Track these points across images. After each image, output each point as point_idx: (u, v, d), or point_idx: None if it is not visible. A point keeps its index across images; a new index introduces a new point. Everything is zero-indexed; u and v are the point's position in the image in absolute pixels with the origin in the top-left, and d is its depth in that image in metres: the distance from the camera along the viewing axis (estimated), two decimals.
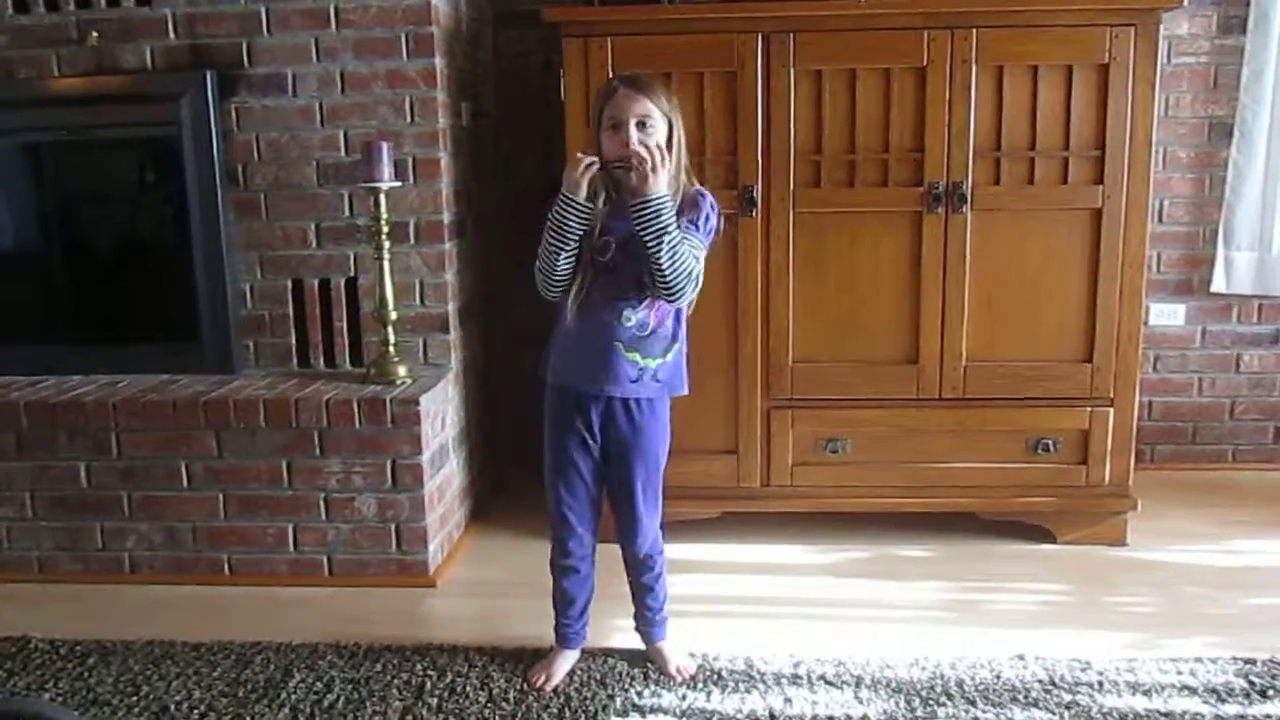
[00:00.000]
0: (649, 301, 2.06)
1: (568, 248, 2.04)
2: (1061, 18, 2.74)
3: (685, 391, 2.20)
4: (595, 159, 2.01)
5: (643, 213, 1.95)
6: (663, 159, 1.96)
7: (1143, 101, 2.77)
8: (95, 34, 2.89)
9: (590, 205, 2.02)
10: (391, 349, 2.91)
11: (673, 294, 1.99)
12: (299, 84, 2.91)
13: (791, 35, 2.79)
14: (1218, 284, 3.51)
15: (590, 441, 2.18)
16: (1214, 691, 2.21)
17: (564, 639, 2.34)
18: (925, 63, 2.78)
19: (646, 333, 2.08)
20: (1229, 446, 3.65)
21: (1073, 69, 2.77)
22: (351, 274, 3.02)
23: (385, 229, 2.81)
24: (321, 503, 2.83)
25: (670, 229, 1.95)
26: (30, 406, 2.83)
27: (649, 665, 2.35)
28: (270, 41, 2.89)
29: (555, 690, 2.27)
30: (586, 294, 2.08)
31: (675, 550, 2.98)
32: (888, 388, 2.95)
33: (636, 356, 2.09)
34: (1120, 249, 2.84)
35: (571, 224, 2.02)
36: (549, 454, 2.23)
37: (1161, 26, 2.75)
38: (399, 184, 2.85)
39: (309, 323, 3.06)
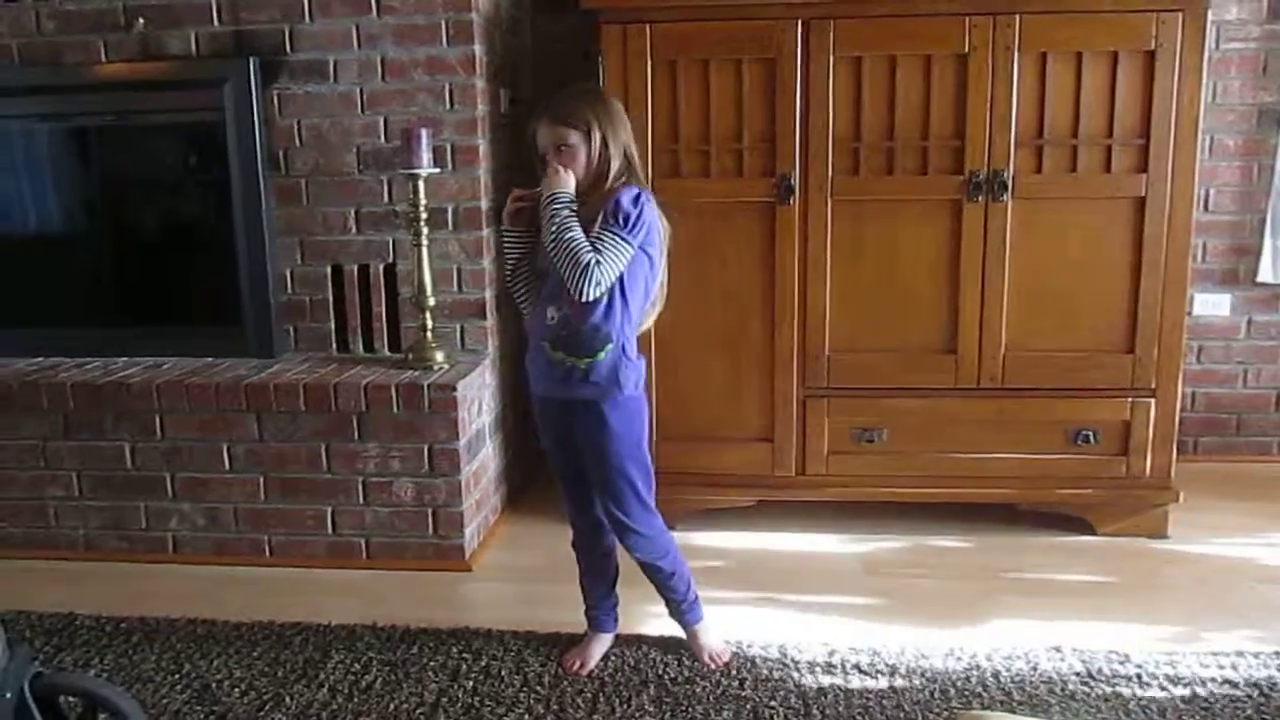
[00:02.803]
0: (566, 299, 2.05)
1: (515, 273, 2.20)
2: (1106, 3, 2.70)
3: (636, 394, 2.14)
4: (523, 195, 2.13)
5: (543, 208, 2.06)
6: (554, 171, 2.07)
7: (1189, 88, 2.72)
8: (141, 20, 2.93)
9: (524, 231, 2.15)
10: (429, 334, 2.94)
11: (571, 286, 2.00)
12: (340, 70, 2.93)
13: (831, 22, 2.77)
14: (1264, 274, 3.45)
15: (563, 442, 2.22)
16: (1256, 685, 2.18)
17: (594, 622, 2.36)
18: (967, 49, 2.75)
19: (569, 330, 2.07)
20: (1273, 439, 3.59)
21: (1118, 55, 2.73)
22: (390, 260, 3.04)
23: (424, 215, 2.83)
24: (360, 486, 2.86)
25: (560, 219, 2.01)
26: (77, 388, 2.88)
27: (682, 651, 2.35)
28: (312, 28, 2.91)
29: (590, 675, 2.28)
30: (535, 299, 2.20)
31: (710, 538, 3.00)
32: (926, 377, 2.93)
33: (562, 355, 2.09)
34: (1164, 238, 2.80)
35: (508, 249, 2.19)
36: (550, 464, 2.33)
37: (1210, 12, 2.70)
38: (438, 170, 2.87)
39: (348, 308, 3.09)
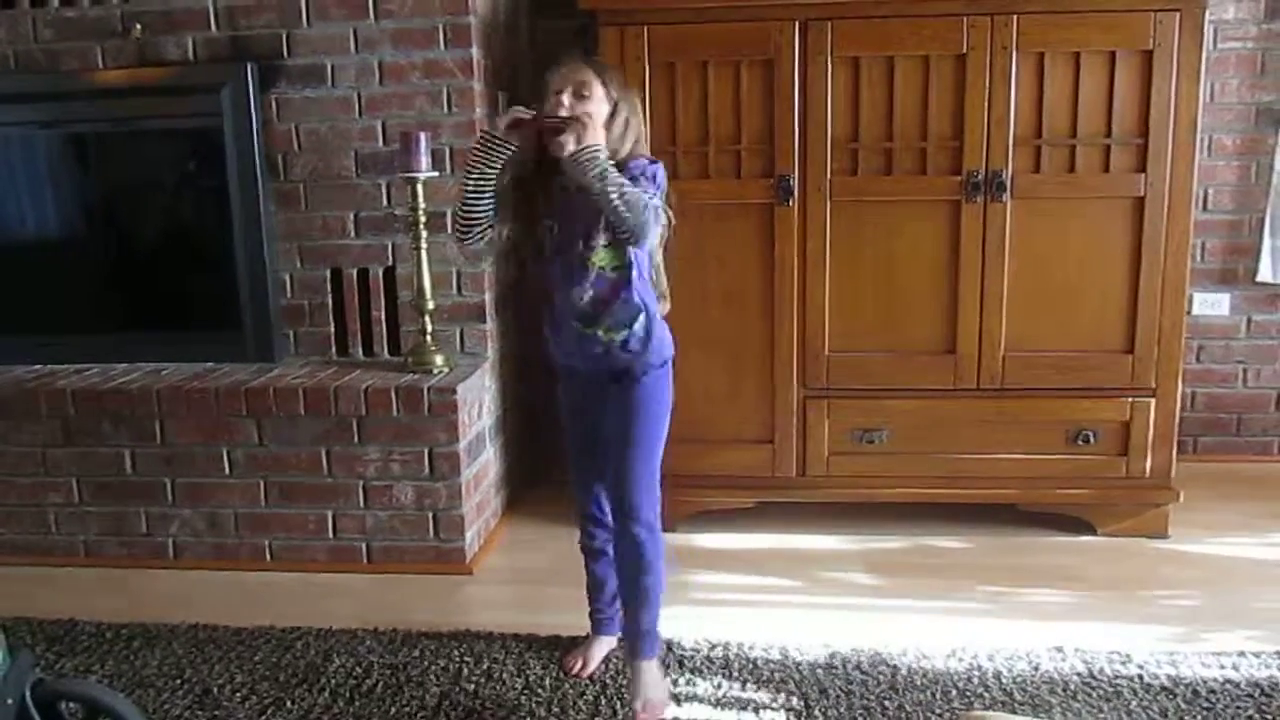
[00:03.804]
0: (594, 276, 2.02)
1: (473, 184, 2.00)
2: (1105, 3, 2.70)
3: (667, 356, 2.12)
4: (529, 111, 1.97)
5: (579, 161, 1.89)
6: (590, 126, 1.91)
7: (1187, 88, 2.72)
8: (139, 26, 2.93)
9: (504, 140, 1.97)
10: (429, 338, 2.94)
11: (637, 233, 1.91)
12: (338, 75, 2.94)
13: (829, 23, 2.77)
14: (1263, 273, 3.45)
15: (586, 416, 2.17)
16: (1257, 685, 2.18)
17: (597, 624, 2.35)
18: (965, 50, 2.75)
19: (600, 308, 2.04)
20: (1273, 438, 3.59)
21: (1115, 55, 2.73)
22: (389, 263, 3.04)
23: (423, 219, 2.83)
24: (360, 490, 2.86)
25: (610, 171, 1.88)
26: (77, 394, 2.88)
27: (682, 654, 2.35)
28: (309, 33, 2.91)
29: (590, 677, 2.28)
30: (547, 277, 2.09)
31: (710, 540, 3.00)
32: (925, 378, 2.93)
33: (598, 330, 2.05)
34: (1163, 238, 2.80)
35: (479, 158, 1.98)
36: (566, 436, 2.25)
37: (1207, 11, 2.70)
38: (436, 174, 2.87)
39: (347, 312, 3.09)
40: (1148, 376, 2.87)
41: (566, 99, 1.97)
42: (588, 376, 2.13)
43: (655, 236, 1.97)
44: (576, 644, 2.38)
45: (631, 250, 2.00)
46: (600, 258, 2.01)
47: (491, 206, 2.03)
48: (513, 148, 1.99)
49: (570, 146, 1.92)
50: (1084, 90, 2.76)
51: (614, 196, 1.87)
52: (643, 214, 1.89)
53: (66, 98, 3.03)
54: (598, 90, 1.99)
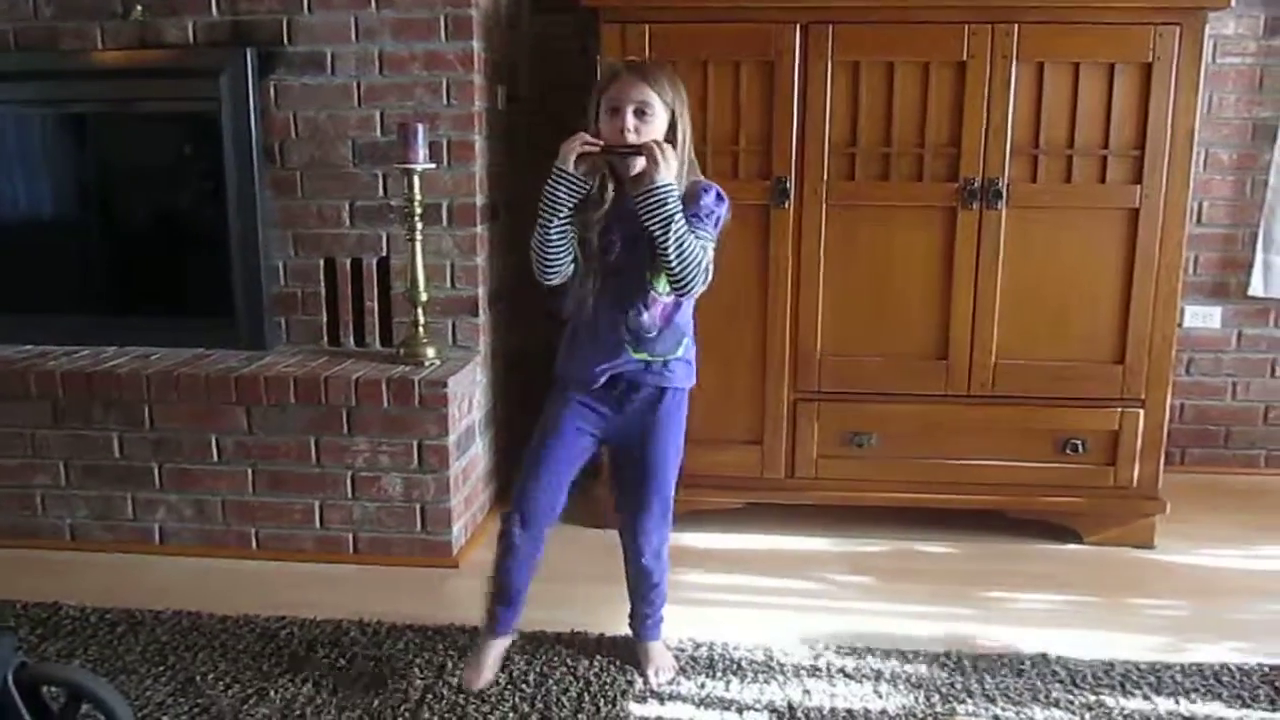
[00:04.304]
0: (655, 302, 2.02)
1: (556, 221, 1.97)
2: (1105, 15, 2.71)
3: (693, 383, 2.16)
4: (597, 142, 1.95)
5: (647, 202, 1.89)
6: (664, 153, 1.90)
7: (1185, 101, 2.73)
8: (139, 8, 2.92)
9: (582, 179, 1.96)
10: (421, 330, 2.93)
11: (682, 285, 1.94)
12: (337, 63, 2.93)
13: (830, 26, 2.77)
14: (1255, 288, 3.47)
15: (575, 437, 2.14)
16: (1239, 697, 2.19)
17: (492, 627, 2.28)
18: (965, 57, 2.76)
19: (654, 334, 2.05)
20: (1261, 451, 3.61)
21: (1115, 67, 2.74)
22: (384, 254, 3.03)
23: (418, 210, 2.82)
24: (348, 481, 2.86)
25: (676, 218, 1.89)
26: (66, 376, 2.87)
27: (669, 652, 2.35)
28: (310, 20, 2.90)
29: (575, 676, 2.28)
30: (595, 296, 2.05)
31: (697, 539, 3.00)
32: (916, 383, 2.94)
33: (645, 356, 2.06)
34: (1157, 250, 2.81)
35: (561, 195, 1.96)
36: (536, 441, 2.17)
37: (1207, 26, 2.71)
38: (433, 166, 2.86)
39: (340, 302, 3.08)
40: (1138, 387, 2.88)
41: (630, 121, 1.94)
42: (615, 399, 2.10)
43: (698, 290, 1.97)
44: (561, 640, 2.38)
45: None
46: (663, 283, 1.99)
47: (569, 241, 2.01)
48: (587, 185, 1.97)
49: (639, 166, 1.92)
50: (1082, 101, 2.76)
51: (672, 249, 1.89)
52: (693, 271, 1.92)
53: (65, 77, 3.01)
54: (658, 106, 1.96)
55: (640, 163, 1.93)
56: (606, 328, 2.05)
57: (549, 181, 1.97)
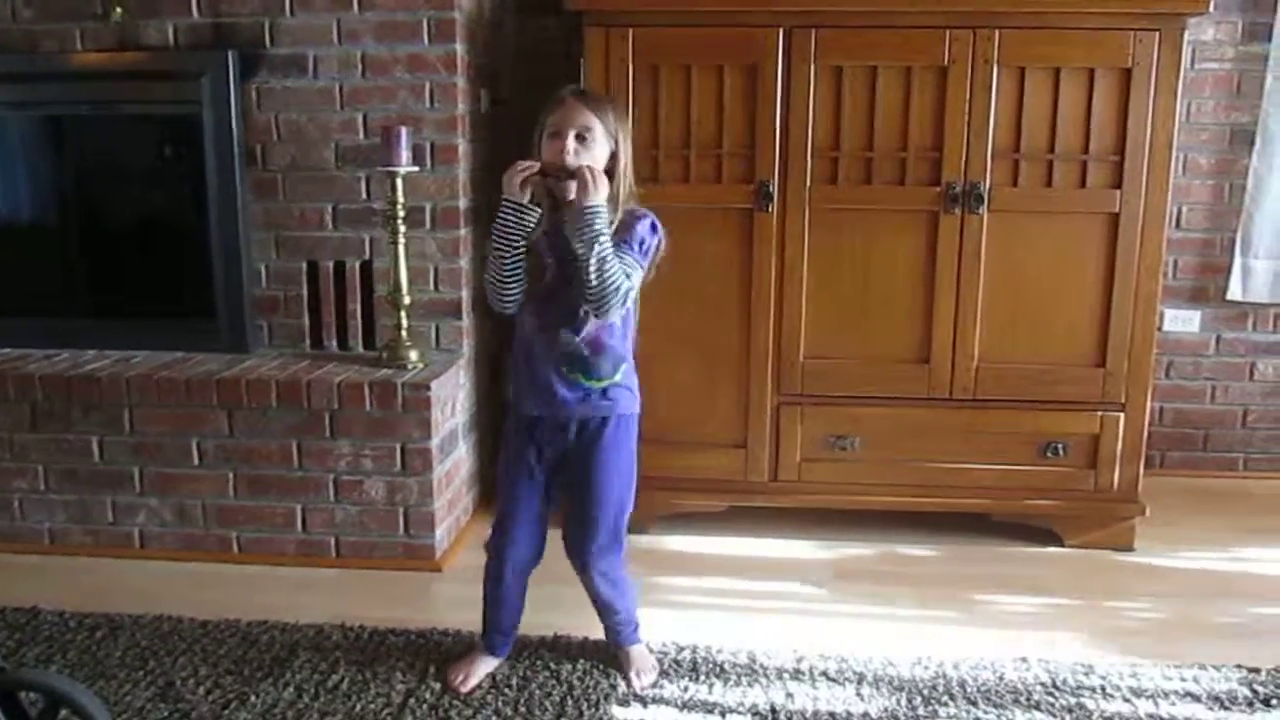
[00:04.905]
0: (590, 324, 2.02)
1: (511, 252, 2.01)
2: (1085, 20, 2.73)
3: (637, 410, 2.16)
4: (534, 163, 1.98)
5: (576, 222, 1.93)
6: (599, 174, 1.94)
7: (1164, 107, 2.75)
8: (119, 9, 2.90)
9: (532, 207, 1.99)
10: (404, 333, 2.92)
11: (598, 306, 1.95)
12: (320, 66, 2.92)
13: (813, 30, 2.78)
14: (1234, 292, 3.50)
15: (539, 469, 2.15)
16: (1217, 699, 2.20)
17: (488, 644, 2.31)
18: (947, 62, 2.77)
19: (587, 353, 2.05)
20: (1240, 454, 3.64)
21: (1095, 72, 2.76)
22: (366, 257, 3.02)
23: (401, 213, 2.82)
24: (330, 484, 2.85)
25: (602, 239, 1.91)
26: (45, 379, 2.85)
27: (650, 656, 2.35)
28: (292, 22, 2.89)
29: (558, 680, 2.27)
30: (531, 318, 2.08)
31: (681, 542, 3.01)
32: (899, 386, 2.95)
33: (580, 378, 2.06)
34: (1137, 254, 2.83)
35: (512, 224, 1.99)
36: (501, 471, 2.20)
37: (1186, 32, 2.73)
38: (416, 169, 2.85)
39: (323, 304, 3.07)
40: (1118, 391, 2.90)
41: (571, 144, 1.97)
42: (556, 425, 2.11)
43: (614, 314, 1.98)
44: (544, 645, 2.38)
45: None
46: None
47: (523, 266, 2.03)
48: (538, 211, 2.00)
49: (572, 195, 1.95)
50: (1063, 106, 2.78)
51: (593, 269, 1.91)
52: (611, 294, 1.93)
53: (44, 79, 2.99)
54: (599, 132, 1.99)
55: (573, 191, 1.96)
56: (542, 349, 2.07)
57: (500, 213, 2.00)
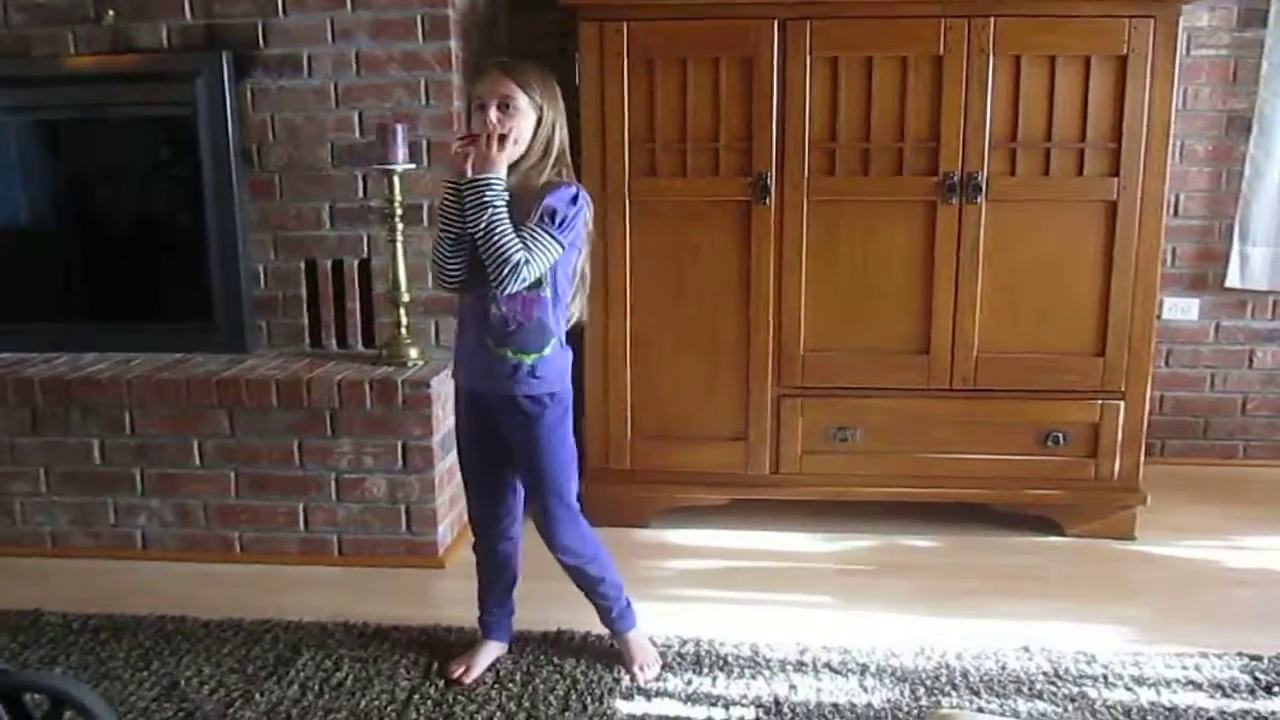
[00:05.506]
0: (511, 297, 2.01)
1: (454, 233, 2.01)
2: (1080, 8, 2.73)
3: (569, 387, 2.15)
4: (465, 143, 1.98)
5: (466, 193, 1.94)
6: (493, 142, 1.94)
7: (1161, 94, 2.75)
8: (112, 13, 2.90)
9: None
10: (404, 331, 2.92)
11: (494, 279, 1.94)
12: (314, 65, 2.91)
13: (808, 22, 2.78)
14: (1232, 279, 3.50)
15: (485, 440, 2.17)
16: (1219, 687, 2.21)
17: (484, 628, 2.33)
18: (942, 51, 2.77)
19: (512, 327, 2.04)
20: (1240, 442, 3.64)
21: (1091, 60, 2.75)
22: (365, 255, 3.02)
23: (399, 211, 2.82)
24: (332, 483, 2.85)
25: (491, 210, 1.91)
26: (45, 383, 2.85)
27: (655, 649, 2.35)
28: (286, 22, 2.89)
29: (561, 675, 2.28)
30: (465, 292, 2.09)
31: (684, 536, 3.01)
32: (898, 377, 2.95)
33: (508, 352, 2.06)
34: (1135, 242, 2.83)
35: (454, 208, 2.00)
36: (459, 450, 2.25)
37: (1181, 19, 2.73)
38: (413, 166, 2.85)
39: (322, 303, 3.07)
40: (1117, 380, 2.90)
41: (493, 115, 1.97)
42: (492, 401, 2.12)
43: (509, 287, 1.96)
44: (548, 640, 2.38)
45: (550, 274, 2.01)
46: None
47: (466, 245, 2.02)
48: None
49: (468, 170, 1.95)
50: (1059, 94, 2.78)
51: (480, 239, 1.92)
52: (502, 268, 1.92)
53: (37, 84, 2.98)
54: (521, 101, 1.98)
55: (469, 165, 1.96)
56: (472, 322, 2.09)
57: (444, 196, 2.02)
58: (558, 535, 2.16)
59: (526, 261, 1.94)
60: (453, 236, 2.01)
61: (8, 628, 2.50)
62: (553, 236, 1.98)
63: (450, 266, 2.04)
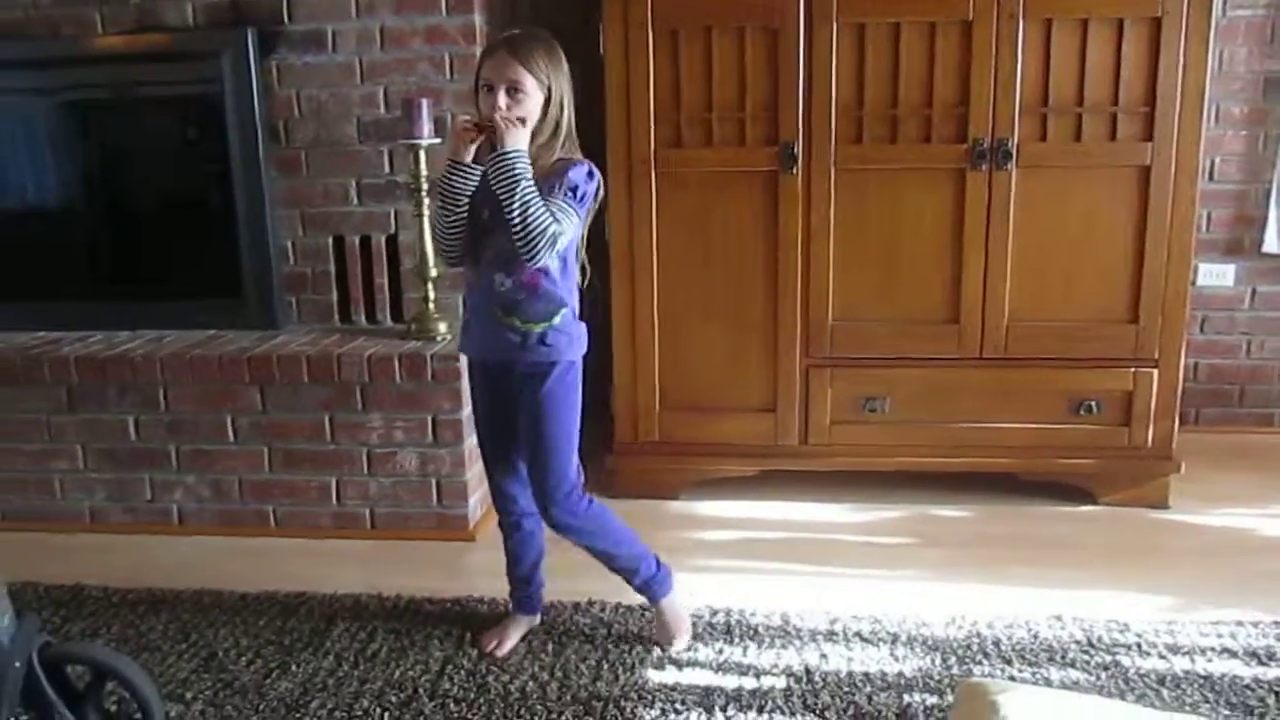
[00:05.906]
0: (519, 265, 2.01)
1: (455, 211, 2.04)
2: None
3: (581, 353, 2.14)
4: (471, 123, 1.99)
5: (495, 168, 1.94)
6: (511, 125, 1.94)
7: (1195, 56, 2.70)
8: None
9: (475, 168, 2.01)
10: (432, 305, 2.93)
11: (527, 252, 1.94)
12: (339, 41, 2.92)
13: None
14: (1269, 244, 3.43)
15: (500, 416, 2.18)
16: (1254, 655, 2.19)
17: (515, 602, 2.35)
18: (971, 16, 2.73)
19: (521, 296, 2.04)
20: (1275, 410, 3.59)
21: (1123, 22, 2.70)
22: (392, 231, 3.03)
23: (425, 186, 2.82)
24: (363, 457, 2.87)
25: (522, 184, 1.92)
26: (80, 361, 2.89)
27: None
28: None
29: (593, 645, 2.29)
30: (471, 264, 2.10)
31: (713, 507, 3.02)
32: (928, 346, 2.93)
33: (515, 321, 2.05)
34: (1169, 207, 2.78)
35: (458, 185, 2.02)
36: (476, 426, 2.26)
37: None
38: (439, 141, 2.85)
39: (350, 279, 3.09)
40: (1151, 347, 2.87)
41: (502, 100, 1.97)
42: (500, 370, 2.13)
43: (547, 260, 1.98)
44: (576, 610, 2.40)
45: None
46: None
47: (465, 221, 2.05)
48: (479, 169, 2.01)
49: (472, 151, 1.98)
50: (1091, 57, 2.73)
51: (516, 214, 1.92)
52: (537, 238, 1.93)
53: (65, 64, 3.01)
54: (528, 83, 1.98)
55: (525, 133, 1.97)
56: (480, 293, 2.09)
57: (444, 175, 2.03)
58: (552, 513, 2.16)
59: (560, 233, 1.96)
60: (452, 215, 2.04)
61: (50, 601, 2.55)
62: (574, 209, 2.01)
63: (451, 241, 2.08)
